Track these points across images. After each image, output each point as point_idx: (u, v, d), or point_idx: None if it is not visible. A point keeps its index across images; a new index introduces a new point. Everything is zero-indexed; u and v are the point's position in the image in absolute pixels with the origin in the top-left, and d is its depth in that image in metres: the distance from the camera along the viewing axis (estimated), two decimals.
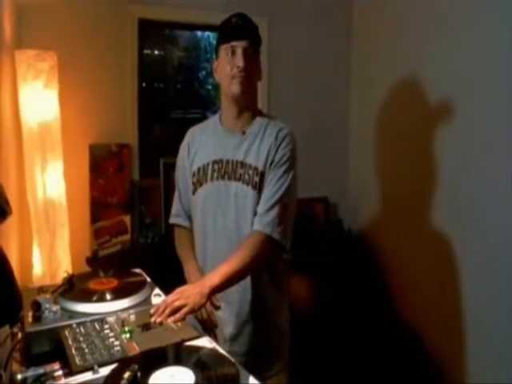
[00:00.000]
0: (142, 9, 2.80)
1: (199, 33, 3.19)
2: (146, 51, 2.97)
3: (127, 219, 2.78)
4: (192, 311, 1.26)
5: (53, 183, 2.29)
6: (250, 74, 1.50)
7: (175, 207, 1.70)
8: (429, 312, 2.70)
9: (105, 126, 2.71)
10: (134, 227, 2.80)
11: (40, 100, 2.23)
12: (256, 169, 1.48)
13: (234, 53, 1.49)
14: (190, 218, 1.66)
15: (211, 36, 3.10)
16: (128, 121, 2.80)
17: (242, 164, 1.50)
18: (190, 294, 1.27)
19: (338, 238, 3.18)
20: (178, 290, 1.29)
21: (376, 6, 3.18)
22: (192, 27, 3.09)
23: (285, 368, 1.62)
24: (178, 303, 1.22)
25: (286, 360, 1.63)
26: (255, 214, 1.47)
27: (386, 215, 3.11)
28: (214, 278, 1.33)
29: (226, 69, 1.50)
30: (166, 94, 3.14)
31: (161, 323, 1.17)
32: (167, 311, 1.19)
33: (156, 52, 3.08)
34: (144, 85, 2.92)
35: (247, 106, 1.55)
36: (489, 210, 2.31)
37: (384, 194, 3.12)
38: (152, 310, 1.21)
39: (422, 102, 2.73)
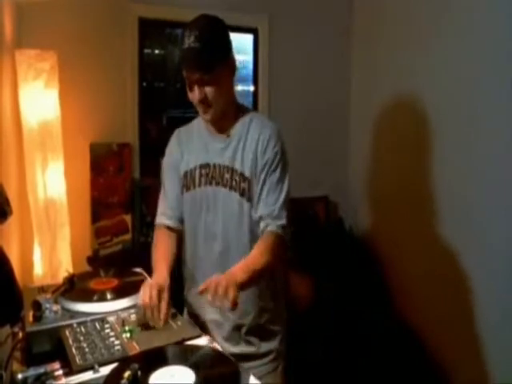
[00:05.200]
0: (142, 8, 2.79)
1: None
2: (147, 50, 2.97)
3: (128, 218, 2.78)
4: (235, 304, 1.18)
5: (53, 183, 2.29)
6: (209, 102, 1.43)
7: (160, 207, 1.63)
8: (429, 311, 2.69)
9: (105, 126, 2.71)
10: (135, 226, 2.80)
11: (40, 100, 2.23)
12: (242, 175, 1.47)
13: (189, 82, 1.42)
14: (175, 216, 1.58)
15: None
16: (128, 120, 2.80)
17: (229, 169, 1.48)
18: (227, 281, 1.19)
19: (338, 237, 3.18)
20: (213, 279, 1.20)
21: (376, 5, 3.18)
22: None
23: (282, 367, 1.61)
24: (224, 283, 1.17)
25: (283, 359, 1.63)
26: (240, 218, 1.47)
27: (386, 214, 3.11)
28: (241, 275, 1.26)
29: (189, 95, 1.46)
30: (167, 93, 3.14)
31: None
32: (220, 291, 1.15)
33: (156, 51, 3.08)
34: (144, 84, 2.91)
35: (223, 116, 1.50)
36: (488, 209, 2.30)
37: (385, 192, 3.12)
38: (202, 287, 1.18)
39: (423, 101, 2.73)
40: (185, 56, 1.40)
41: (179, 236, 1.59)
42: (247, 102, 3.21)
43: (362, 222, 3.32)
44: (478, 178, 2.37)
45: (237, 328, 1.52)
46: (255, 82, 3.21)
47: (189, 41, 1.37)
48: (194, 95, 1.42)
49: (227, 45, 1.47)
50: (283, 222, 1.42)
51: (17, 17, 2.35)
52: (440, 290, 2.61)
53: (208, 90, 1.41)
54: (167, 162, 1.64)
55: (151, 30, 2.95)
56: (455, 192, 2.51)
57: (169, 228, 1.58)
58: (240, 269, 1.28)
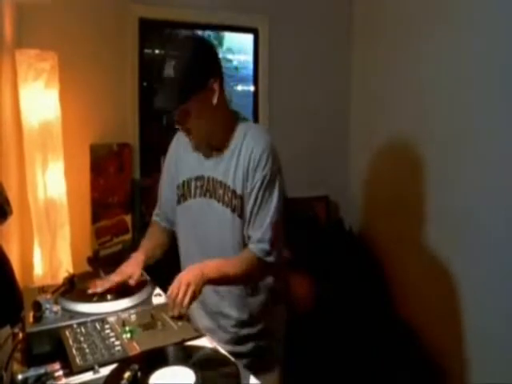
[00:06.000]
0: (142, 8, 2.79)
1: (200, 32, 3.18)
2: (147, 51, 2.96)
3: (128, 219, 2.78)
4: (194, 298, 1.28)
5: (54, 183, 2.29)
6: (192, 127, 1.43)
7: (157, 207, 1.74)
8: (429, 311, 2.69)
9: (105, 126, 2.71)
10: (135, 227, 2.80)
11: (41, 100, 2.23)
12: (234, 192, 1.48)
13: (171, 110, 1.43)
14: (168, 219, 1.68)
15: (212, 35, 3.10)
16: (129, 120, 2.80)
17: (221, 184, 1.49)
18: (189, 280, 1.27)
19: (338, 237, 3.18)
20: (177, 277, 1.30)
21: (376, 5, 3.18)
22: (193, 26, 3.09)
23: (279, 371, 1.62)
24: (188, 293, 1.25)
25: (280, 363, 1.64)
26: (234, 235, 1.49)
27: (386, 214, 3.11)
28: (214, 271, 1.35)
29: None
30: None
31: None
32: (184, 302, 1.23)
33: (157, 51, 3.08)
34: (145, 84, 2.91)
35: (211, 137, 1.50)
36: (488, 209, 2.30)
37: (385, 193, 3.11)
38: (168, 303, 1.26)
39: (423, 100, 2.73)
40: (162, 89, 1.40)
41: (171, 234, 1.68)
42: (247, 101, 3.22)
43: (363, 222, 3.32)
44: (478, 178, 2.37)
45: (232, 334, 1.54)
46: (255, 82, 3.21)
47: (167, 71, 1.36)
48: (175, 122, 1.43)
49: (207, 70, 1.42)
50: (266, 246, 1.44)
51: (17, 17, 2.35)
52: (440, 289, 2.61)
53: (187, 118, 1.41)
54: (166, 166, 1.69)
55: (151, 31, 2.95)
56: (455, 192, 2.51)
57: (159, 227, 1.70)
58: (212, 266, 1.36)
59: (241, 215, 1.48)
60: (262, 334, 1.57)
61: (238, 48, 3.19)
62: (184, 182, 1.57)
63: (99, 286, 1.36)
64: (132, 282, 1.42)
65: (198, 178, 1.54)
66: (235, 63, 3.21)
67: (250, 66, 3.21)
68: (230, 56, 3.18)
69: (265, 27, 3.14)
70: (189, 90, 1.37)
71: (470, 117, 2.41)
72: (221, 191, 1.49)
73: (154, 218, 1.74)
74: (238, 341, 1.54)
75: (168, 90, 1.38)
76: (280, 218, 1.49)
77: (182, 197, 1.58)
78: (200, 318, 1.56)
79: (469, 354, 2.44)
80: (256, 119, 3.20)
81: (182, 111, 1.39)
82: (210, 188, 1.52)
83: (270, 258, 1.46)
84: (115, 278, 1.41)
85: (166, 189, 1.66)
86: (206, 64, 1.42)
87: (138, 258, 1.53)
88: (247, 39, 3.18)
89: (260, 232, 1.45)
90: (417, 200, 2.80)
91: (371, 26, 3.23)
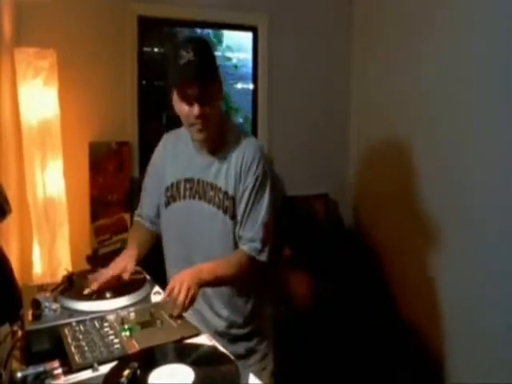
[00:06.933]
0: (141, 6, 2.79)
1: (199, 30, 3.18)
2: (146, 49, 2.96)
3: (127, 217, 2.77)
4: (193, 300, 1.29)
5: (53, 181, 2.29)
6: (208, 116, 1.42)
7: (140, 207, 1.73)
8: (429, 309, 2.69)
9: (105, 124, 2.71)
10: None
11: (40, 98, 2.23)
12: (226, 193, 1.49)
13: (186, 98, 1.40)
14: (151, 221, 1.67)
15: (211, 33, 3.10)
16: (128, 118, 2.80)
17: (212, 186, 1.50)
18: (189, 284, 1.28)
19: (338, 235, 3.19)
20: (176, 279, 1.30)
21: (376, 3, 3.17)
22: (192, 24, 3.08)
23: (266, 368, 1.63)
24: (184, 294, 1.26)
25: (271, 360, 1.65)
26: (225, 236, 1.50)
27: (386, 212, 3.11)
28: (208, 274, 1.36)
29: (183, 113, 1.43)
30: (166, 92, 3.12)
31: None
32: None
33: (156, 49, 3.07)
34: (144, 82, 2.91)
35: (212, 136, 1.50)
36: (488, 209, 2.30)
37: (384, 190, 3.11)
38: (166, 294, 1.26)
39: (423, 99, 2.73)
40: (183, 71, 1.36)
41: (155, 234, 1.67)
42: (247, 100, 3.22)
43: (362, 220, 3.32)
44: (478, 178, 2.37)
45: (222, 334, 1.54)
46: (255, 80, 3.21)
47: (188, 55, 1.35)
48: (192, 111, 1.39)
49: (217, 65, 1.47)
50: (258, 245, 1.47)
51: (16, 15, 2.35)
52: (440, 288, 2.61)
53: (206, 104, 1.40)
54: (151, 167, 1.68)
55: (150, 29, 2.95)
56: (456, 191, 2.51)
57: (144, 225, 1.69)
58: (207, 269, 1.37)
59: (232, 217, 1.49)
60: (252, 334, 1.58)
61: (237, 46, 3.19)
62: (173, 183, 1.57)
63: (92, 281, 1.36)
64: (126, 275, 1.41)
65: (187, 180, 1.54)
66: (234, 61, 3.20)
67: (250, 64, 3.21)
68: (229, 54, 3.18)
69: (264, 25, 3.14)
70: (212, 74, 1.41)
71: (470, 117, 2.41)
72: (212, 193, 1.50)
73: (137, 218, 1.72)
74: (228, 340, 1.54)
75: (194, 72, 1.36)
76: (270, 219, 1.51)
77: (171, 198, 1.57)
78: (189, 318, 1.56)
79: (469, 353, 2.44)
80: (255, 117, 3.21)
81: (202, 98, 1.38)
82: (199, 190, 1.52)
83: (262, 257, 1.48)
84: (109, 272, 1.41)
85: (151, 192, 1.66)
86: (215, 58, 1.46)
87: (130, 253, 1.53)
88: (246, 37, 3.18)
89: (252, 232, 1.48)
90: (416, 198, 2.80)
91: (371, 26, 3.23)
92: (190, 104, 1.40)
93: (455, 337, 2.52)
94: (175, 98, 1.44)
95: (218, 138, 1.51)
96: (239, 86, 3.22)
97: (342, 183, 3.43)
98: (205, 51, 1.40)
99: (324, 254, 2.92)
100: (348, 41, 3.41)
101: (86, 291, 1.32)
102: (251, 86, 3.23)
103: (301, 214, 3.07)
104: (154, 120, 2.99)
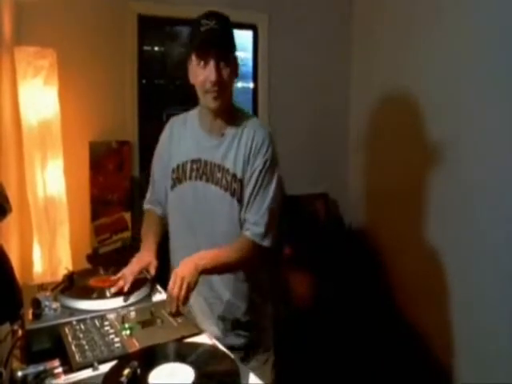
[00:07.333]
0: (141, 5, 2.79)
1: None
2: (146, 47, 2.96)
3: (127, 216, 2.78)
4: (190, 290, 1.27)
5: (53, 181, 2.29)
6: (225, 84, 1.44)
7: (149, 194, 1.72)
8: (429, 308, 2.70)
9: (105, 123, 2.71)
10: (135, 224, 2.80)
11: (40, 97, 2.23)
12: (234, 176, 1.47)
13: (206, 63, 1.41)
14: (161, 205, 1.66)
15: None
16: (128, 118, 2.80)
17: (220, 167, 1.49)
18: (183, 274, 1.27)
19: (338, 235, 3.18)
20: (174, 272, 1.29)
21: (376, 2, 3.17)
22: (192, 23, 3.08)
23: (268, 360, 1.62)
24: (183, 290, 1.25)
25: (272, 353, 1.64)
26: (231, 219, 1.48)
27: (386, 211, 3.11)
28: (208, 261, 1.34)
29: (199, 79, 1.44)
30: (166, 91, 3.14)
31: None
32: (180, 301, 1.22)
33: (156, 48, 3.07)
34: (144, 81, 2.91)
35: (223, 111, 1.51)
36: (487, 208, 2.31)
37: (384, 190, 3.11)
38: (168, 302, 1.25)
39: (422, 99, 2.72)
40: (204, 37, 1.41)
41: (165, 224, 1.65)
42: (247, 98, 3.21)
43: (362, 219, 3.32)
44: (478, 178, 2.37)
45: (226, 321, 1.53)
46: (255, 79, 3.21)
47: (211, 23, 1.41)
48: (209, 77, 1.41)
49: (235, 43, 1.51)
50: (262, 229, 1.45)
51: (16, 14, 2.35)
52: (440, 287, 2.61)
53: (224, 71, 1.42)
54: (157, 152, 1.67)
55: (150, 28, 2.95)
56: (456, 190, 2.51)
57: (155, 214, 1.67)
58: (210, 256, 1.35)
59: (239, 199, 1.47)
60: (252, 327, 1.57)
61: (237, 45, 3.17)
62: (179, 165, 1.55)
63: (116, 282, 1.33)
64: (152, 269, 1.41)
65: (194, 161, 1.52)
66: None
67: (250, 63, 3.21)
68: None
69: (264, 24, 3.14)
70: (231, 41, 1.47)
71: (470, 117, 2.41)
72: (219, 175, 1.48)
73: (147, 205, 1.71)
74: (232, 329, 1.54)
75: (214, 38, 1.41)
76: (276, 207, 1.49)
77: (177, 179, 1.55)
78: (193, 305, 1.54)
79: (469, 352, 2.44)
80: (255, 116, 3.20)
81: (223, 60, 1.42)
82: (206, 171, 1.50)
83: (265, 242, 1.46)
84: (135, 267, 1.39)
85: (159, 174, 1.64)
86: (234, 34, 1.50)
87: (149, 247, 1.52)
88: (247, 36, 3.17)
89: (257, 215, 1.45)
90: (417, 197, 2.80)
91: (371, 26, 3.23)
92: (208, 69, 1.41)
93: (456, 336, 2.51)
94: (193, 64, 1.46)
95: (227, 117, 1.51)
96: (239, 84, 3.22)
97: (342, 183, 3.43)
98: (227, 23, 1.46)
99: (324, 254, 2.92)
100: (348, 40, 3.40)
101: (113, 290, 1.31)
102: (251, 85, 3.23)
103: (301, 214, 3.07)
104: (155, 119, 2.99)
